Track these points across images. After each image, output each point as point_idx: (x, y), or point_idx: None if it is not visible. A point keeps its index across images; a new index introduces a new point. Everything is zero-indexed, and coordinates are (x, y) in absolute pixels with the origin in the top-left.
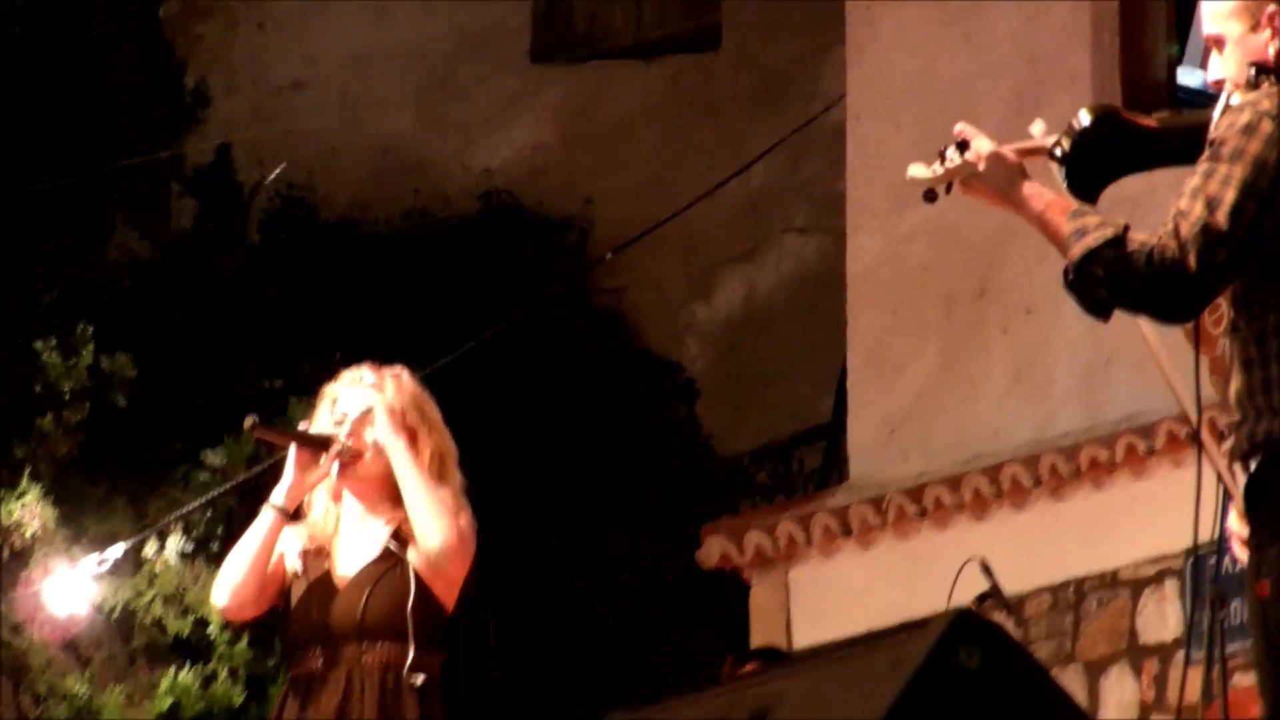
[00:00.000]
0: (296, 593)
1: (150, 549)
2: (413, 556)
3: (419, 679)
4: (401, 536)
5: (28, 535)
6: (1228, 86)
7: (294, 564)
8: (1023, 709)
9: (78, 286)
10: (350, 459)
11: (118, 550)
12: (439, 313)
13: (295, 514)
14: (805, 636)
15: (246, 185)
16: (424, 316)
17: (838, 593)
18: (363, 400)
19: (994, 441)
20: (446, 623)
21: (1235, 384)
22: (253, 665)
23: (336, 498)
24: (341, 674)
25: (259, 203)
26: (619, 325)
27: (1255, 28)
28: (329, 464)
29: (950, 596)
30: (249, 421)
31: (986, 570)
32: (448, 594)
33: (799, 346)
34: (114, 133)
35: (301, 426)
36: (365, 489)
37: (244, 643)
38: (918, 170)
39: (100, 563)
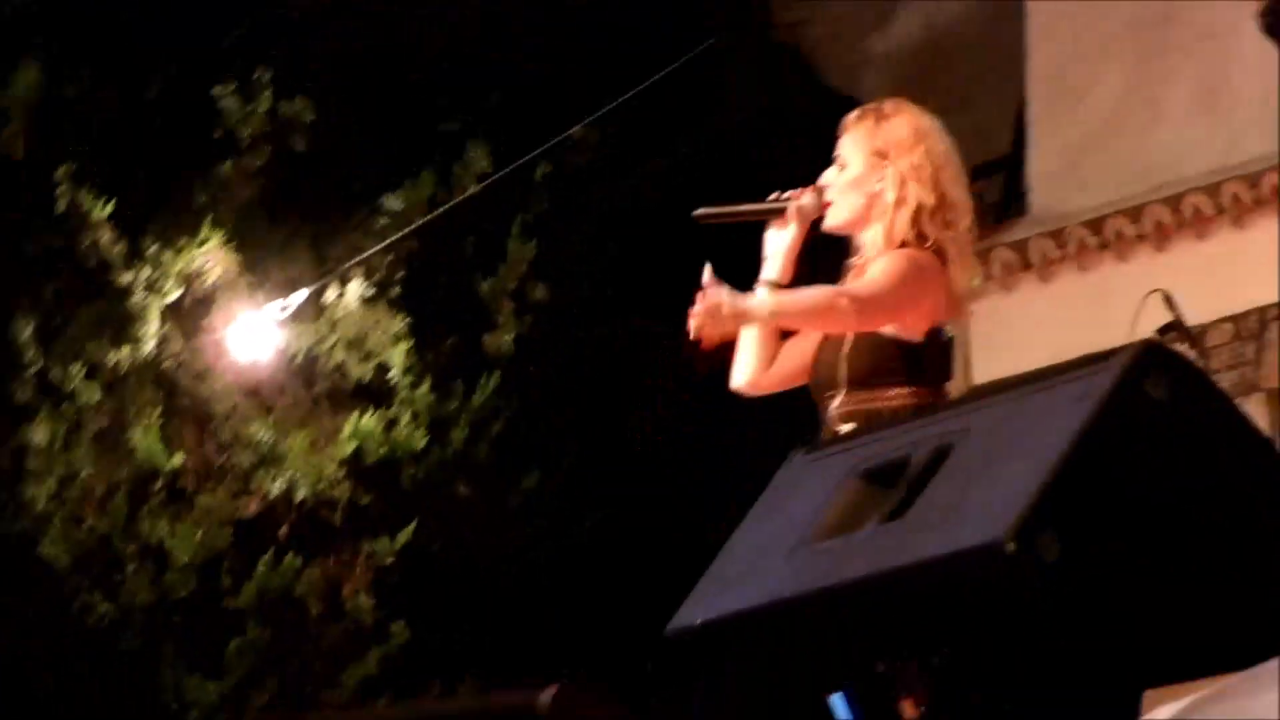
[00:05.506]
0: None
1: (331, 294)
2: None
3: (846, 428)
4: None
5: (209, 282)
6: None
7: None
8: (1209, 439)
9: (254, 30)
10: (813, 216)
11: (300, 296)
12: (617, 50)
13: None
14: (985, 372)
15: None
16: (601, 55)
17: (1018, 327)
18: (845, 149)
19: (1176, 169)
20: (917, 352)
21: None
22: (435, 409)
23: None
24: (825, 429)
25: None
26: (796, 60)
27: None
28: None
29: (1133, 329)
30: (698, 213)
31: (1169, 301)
32: (900, 324)
33: (978, 77)
34: None
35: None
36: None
37: (426, 387)
38: None
39: (283, 309)
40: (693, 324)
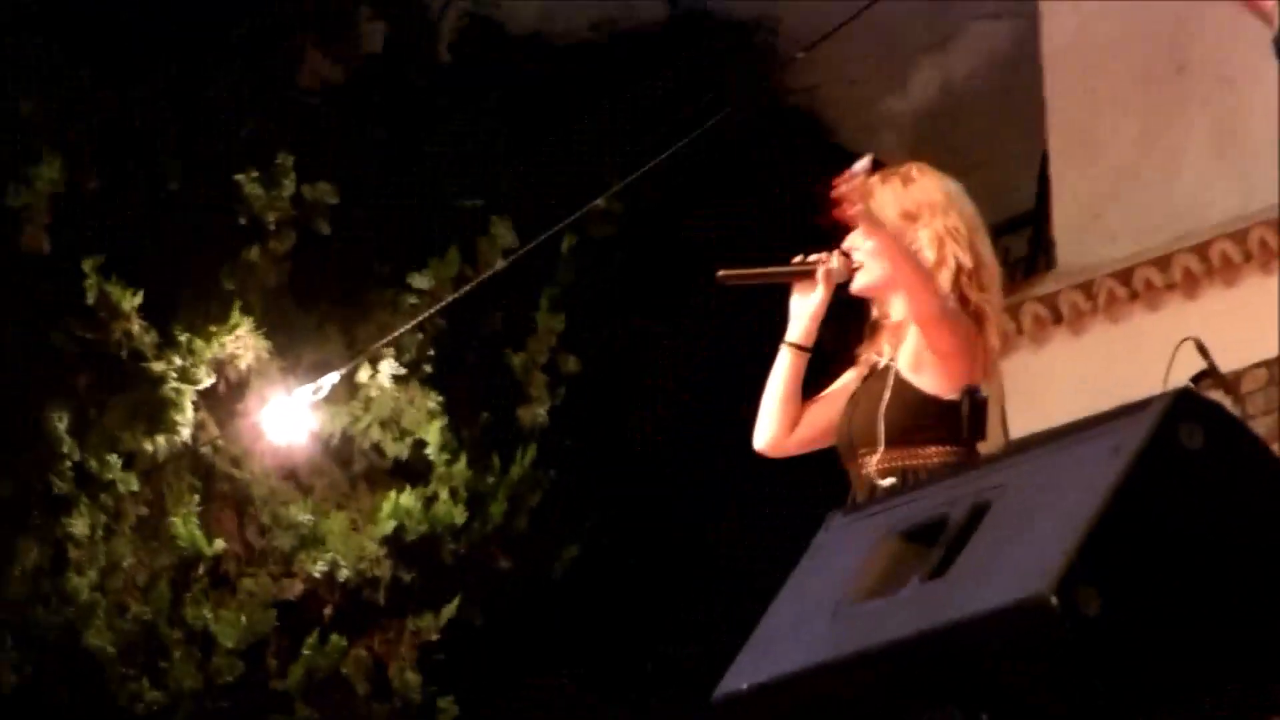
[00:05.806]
0: None
1: (363, 374)
2: (899, 358)
3: (886, 483)
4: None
5: (242, 367)
6: None
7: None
8: (1246, 486)
9: (274, 116)
10: (840, 279)
11: (332, 378)
12: (632, 122)
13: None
14: (1019, 426)
15: (434, 3)
16: (617, 126)
17: (1051, 381)
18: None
19: (1200, 217)
20: (953, 410)
21: None
22: (473, 484)
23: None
24: (857, 488)
25: (448, 21)
26: (812, 124)
27: None
28: (818, 286)
29: (1166, 378)
30: (722, 274)
31: (1201, 349)
32: (940, 378)
33: (997, 133)
34: None
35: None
36: (882, 297)
37: (463, 462)
38: None
39: (315, 391)
40: (839, 186)
